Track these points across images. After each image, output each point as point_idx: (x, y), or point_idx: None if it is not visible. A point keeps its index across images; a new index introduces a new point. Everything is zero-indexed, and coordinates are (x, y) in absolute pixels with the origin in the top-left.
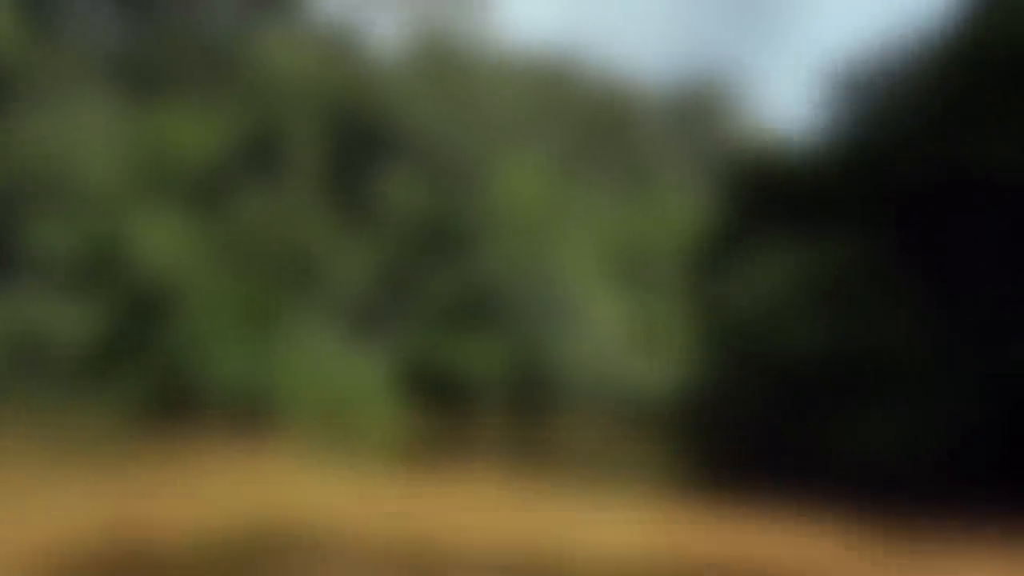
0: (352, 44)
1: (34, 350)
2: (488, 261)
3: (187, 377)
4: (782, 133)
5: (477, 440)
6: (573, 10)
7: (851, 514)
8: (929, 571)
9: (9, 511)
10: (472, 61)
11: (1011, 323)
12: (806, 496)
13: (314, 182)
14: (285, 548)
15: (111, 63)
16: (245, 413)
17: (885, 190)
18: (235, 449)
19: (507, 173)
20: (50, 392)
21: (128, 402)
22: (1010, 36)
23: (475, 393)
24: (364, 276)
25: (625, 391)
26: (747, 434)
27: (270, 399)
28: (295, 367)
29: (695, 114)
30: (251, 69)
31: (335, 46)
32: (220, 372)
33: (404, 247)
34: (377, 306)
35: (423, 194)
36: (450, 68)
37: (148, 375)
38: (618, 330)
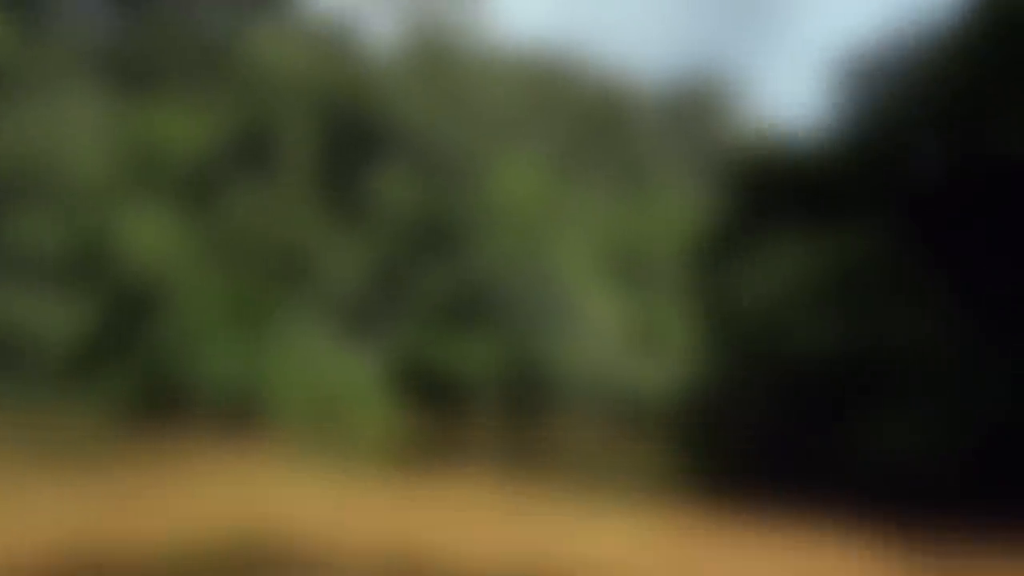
0: (346, 40)
1: (17, 348)
2: (483, 259)
3: (175, 376)
4: (784, 127)
5: (472, 440)
6: (569, 6)
7: (869, 524)
8: None
9: None
10: (467, 57)
11: None
12: (819, 505)
13: (307, 178)
14: (272, 557)
15: (101, 57)
16: (235, 413)
17: (898, 181)
18: (224, 450)
19: (502, 170)
20: (32, 391)
21: (114, 402)
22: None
23: (470, 393)
24: (357, 274)
25: (623, 391)
26: (755, 438)
27: (260, 398)
28: (286, 366)
29: (693, 110)
30: (243, 64)
31: (328, 42)
32: (209, 371)
33: (398, 244)
34: (370, 304)
35: (417, 191)
36: (445, 64)
37: (135, 374)
38: (616, 329)
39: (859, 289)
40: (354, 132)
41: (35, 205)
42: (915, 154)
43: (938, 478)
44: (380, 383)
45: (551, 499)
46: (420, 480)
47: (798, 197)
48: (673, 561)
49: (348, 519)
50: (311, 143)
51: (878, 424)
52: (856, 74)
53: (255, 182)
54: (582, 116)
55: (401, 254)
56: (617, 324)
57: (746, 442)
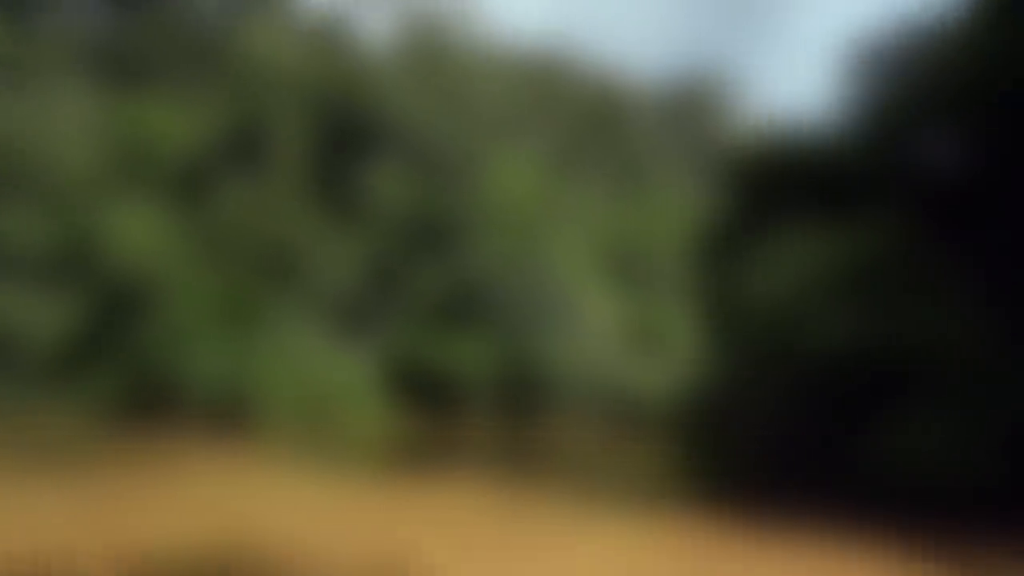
0: (340, 35)
1: (4, 345)
2: (478, 257)
3: (165, 375)
4: (787, 121)
5: (467, 442)
6: (566, 2)
7: (887, 533)
8: None
9: None
10: (463, 53)
11: None
12: (833, 512)
13: (299, 175)
14: (260, 560)
15: (92, 52)
16: (225, 412)
17: (909, 173)
18: (214, 451)
19: (498, 168)
20: (19, 390)
21: (102, 401)
22: None
23: (465, 393)
24: (350, 272)
25: (621, 392)
26: (763, 439)
27: (251, 398)
28: (277, 365)
29: (691, 107)
30: (236, 60)
31: (322, 37)
32: (199, 370)
33: (391, 242)
34: (363, 303)
35: (411, 189)
36: (440, 61)
37: (123, 372)
38: (613, 328)
39: (873, 285)
40: (348, 128)
41: (24, 201)
42: (925, 145)
43: (956, 481)
44: (373, 383)
45: (548, 504)
46: (413, 483)
47: (808, 191)
48: (675, 570)
49: (338, 522)
50: (304, 139)
51: (893, 425)
52: (864, 65)
53: (247, 178)
54: (579, 113)
55: (395, 252)
56: (615, 323)
57: (754, 444)
